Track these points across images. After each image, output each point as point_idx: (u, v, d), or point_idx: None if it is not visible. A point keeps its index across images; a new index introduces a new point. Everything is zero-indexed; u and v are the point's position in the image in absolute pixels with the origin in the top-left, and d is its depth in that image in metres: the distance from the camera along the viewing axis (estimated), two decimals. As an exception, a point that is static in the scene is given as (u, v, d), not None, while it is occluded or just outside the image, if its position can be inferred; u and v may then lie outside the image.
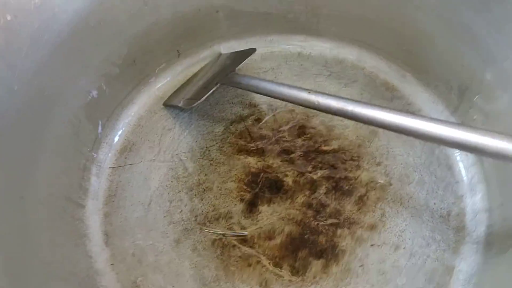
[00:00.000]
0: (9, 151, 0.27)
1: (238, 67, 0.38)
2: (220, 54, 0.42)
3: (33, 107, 0.29)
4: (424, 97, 0.38)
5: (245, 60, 0.39)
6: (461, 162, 0.35)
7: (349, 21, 0.39)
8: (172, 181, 0.37)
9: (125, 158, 0.38)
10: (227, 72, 0.37)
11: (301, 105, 0.31)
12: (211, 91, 0.36)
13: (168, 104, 0.40)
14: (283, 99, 0.32)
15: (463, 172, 0.34)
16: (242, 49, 0.41)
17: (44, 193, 0.30)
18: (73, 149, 0.35)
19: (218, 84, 0.36)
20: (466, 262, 0.31)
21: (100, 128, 0.37)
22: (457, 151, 0.35)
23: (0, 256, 0.21)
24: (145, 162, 0.38)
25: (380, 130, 0.37)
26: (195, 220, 0.35)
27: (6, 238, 0.23)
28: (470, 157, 0.35)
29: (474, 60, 0.32)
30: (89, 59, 0.34)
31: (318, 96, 0.29)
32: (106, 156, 0.38)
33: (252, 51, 0.39)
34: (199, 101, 0.35)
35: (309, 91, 0.30)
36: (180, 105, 0.38)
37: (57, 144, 0.32)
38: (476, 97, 0.33)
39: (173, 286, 0.33)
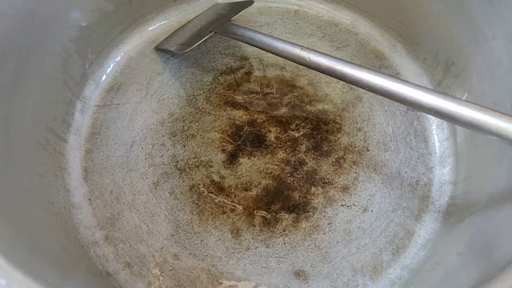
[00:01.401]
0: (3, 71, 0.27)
1: (233, 18, 0.38)
2: (217, 3, 0.42)
3: (24, 34, 0.29)
4: (411, 69, 0.39)
5: (241, 12, 0.39)
6: (436, 135, 0.36)
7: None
8: (156, 125, 0.37)
9: (112, 97, 0.38)
10: (223, 21, 0.37)
11: (292, 60, 0.31)
12: (205, 38, 0.36)
13: (160, 48, 0.40)
14: (275, 53, 0.32)
15: (437, 145, 0.36)
16: (239, 0, 0.40)
17: (29, 122, 0.30)
18: (60, 81, 0.35)
19: (212, 33, 0.36)
20: (425, 229, 0.33)
21: (87, 64, 0.37)
22: (434, 124, 0.36)
23: None
24: (132, 103, 0.38)
25: (365, 97, 0.38)
26: (176, 165, 0.36)
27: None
28: (445, 131, 0.36)
29: (464, 36, 0.32)
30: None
31: (310, 53, 0.29)
32: (93, 93, 0.38)
33: (249, 3, 0.39)
34: (191, 47, 0.36)
35: (301, 47, 0.30)
36: (172, 49, 0.38)
37: (44, 74, 0.32)
38: (461, 73, 0.34)
39: (147, 226, 0.34)
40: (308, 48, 0.30)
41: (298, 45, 0.31)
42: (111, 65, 0.39)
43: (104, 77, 0.38)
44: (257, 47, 0.34)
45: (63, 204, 0.33)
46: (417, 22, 0.37)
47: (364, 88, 0.27)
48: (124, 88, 0.39)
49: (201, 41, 0.35)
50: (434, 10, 0.35)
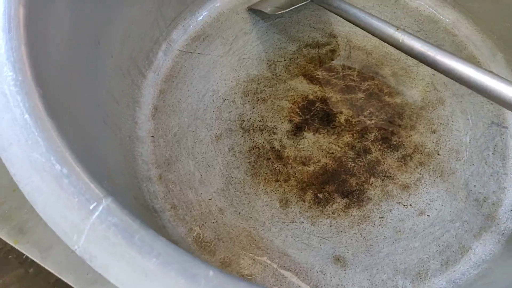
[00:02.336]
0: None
1: None
2: None
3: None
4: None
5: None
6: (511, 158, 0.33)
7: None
8: (232, 81, 0.38)
9: (196, 46, 0.39)
10: None
11: (385, 40, 0.30)
12: (300, 4, 0.35)
13: (253, 8, 0.40)
14: (368, 30, 0.31)
15: (516, 166, 0.33)
16: None
17: (117, 47, 0.31)
18: (152, 18, 0.36)
19: (309, 0, 0.36)
20: (483, 248, 0.30)
21: (181, 9, 0.38)
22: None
23: (67, 97, 0.23)
24: (213, 56, 0.38)
25: (448, 101, 0.36)
26: (241, 124, 0.36)
27: (79, 78, 0.25)
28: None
29: None
30: None
31: (404, 35, 0.28)
32: (179, 37, 0.39)
33: None
34: (285, 10, 0.35)
35: (396, 28, 0.29)
36: (266, 11, 0.37)
37: (141, 7, 0.33)
38: None
39: (201, 175, 0.34)
40: (403, 30, 0.29)
41: (393, 25, 0.29)
42: (203, 15, 0.39)
43: (193, 25, 0.39)
44: (350, 22, 0.33)
45: (128, 134, 0.34)
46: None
47: (455, 80, 0.25)
48: (209, 39, 0.39)
49: (295, 6, 0.35)
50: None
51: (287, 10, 0.35)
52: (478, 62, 0.38)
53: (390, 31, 0.29)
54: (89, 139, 0.23)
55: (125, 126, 0.34)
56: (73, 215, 0.15)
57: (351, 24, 0.39)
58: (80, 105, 0.24)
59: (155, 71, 0.37)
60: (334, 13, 0.34)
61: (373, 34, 0.31)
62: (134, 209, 0.28)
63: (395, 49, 0.37)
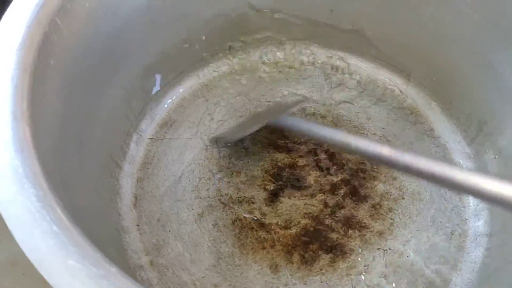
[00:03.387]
0: (76, 101, 0.30)
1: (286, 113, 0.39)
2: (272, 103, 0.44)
3: (103, 67, 0.32)
4: (445, 126, 0.41)
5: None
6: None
7: (389, 46, 0.43)
8: (204, 161, 0.40)
9: (165, 132, 0.41)
10: (277, 113, 0.38)
11: (340, 148, 0.34)
12: (257, 129, 0.37)
13: (214, 139, 0.41)
14: (324, 142, 0.35)
15: (471, 198, 0.37)
16: (293, 99, 0.43)
17: (96, 145, 0.33)
18: (123, 113, 0.38)
19: (265, 123, 0.37)
20: (462, 278, 0.34)
21: (147, 101, 0.41)
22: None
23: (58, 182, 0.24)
24: (183, 139, 0.41)
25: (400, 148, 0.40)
26: (220, 199, 0.38)
27: (67, 173, 0.26)
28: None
29: (495, 97, 0.35)
30: (155, 36, 0.37)
31: (357, 140, 0.30)
32: (148, 127, 0.41)
33: (303, 100, 0.42)
34: (243, 135, 0.38)
35: (355, 136, 0.31)
36: (225, 138, 0.40)
37: (112, 105, 0.36)
38: (493, 132, 0.36)
39: (190, 255, 0.35)
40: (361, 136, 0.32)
41: (348, 133, 0.32)
42: (167, 103, 0.42)
43: (160, 113, 0.42)
44: (305, 136, 0.37)
45: (115, 226, 0.35)
46: (451, 83, 0.40)
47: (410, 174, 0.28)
48: (176, 124, 0.42)
49: (251, 131, 0.37)
50: (466, 72, 0.38)
51: (244, 135, 0.38)
52: (418, 111, 0.43)
53: (345, 139, 0.31)
54: (95, 240, 0.24)
55: (111, 219, 0.34)
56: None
57: (303, 93, 0.44)
58: (81, 208, 0.25)
59: (130, 162, 0.39)
60: (293, 132, 0.38)
61: (331, 144, 0.34)
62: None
63: (344, 110, 0.42)
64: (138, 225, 0.36)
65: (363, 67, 0.45)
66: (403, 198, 0.38)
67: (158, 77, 0.40)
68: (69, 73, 0.28)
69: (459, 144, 0.40)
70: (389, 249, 0.35)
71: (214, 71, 0.45)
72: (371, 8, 0.41)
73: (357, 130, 0.42)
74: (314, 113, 0.43)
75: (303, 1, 0.42)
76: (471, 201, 0.38)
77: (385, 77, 0.45)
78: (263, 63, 0.46)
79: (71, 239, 0.17)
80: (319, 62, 0.46)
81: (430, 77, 0.42)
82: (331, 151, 0.40)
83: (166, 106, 0.42)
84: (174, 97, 0.43)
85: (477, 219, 0.36)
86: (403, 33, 0.41)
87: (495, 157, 0.36)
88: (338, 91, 0.44)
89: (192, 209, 0.37)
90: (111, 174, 0.36)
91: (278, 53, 0.46)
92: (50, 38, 0.26)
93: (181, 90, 0.43)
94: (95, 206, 0.31)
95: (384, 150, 0.29)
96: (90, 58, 0.30)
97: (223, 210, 0.37)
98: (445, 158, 0.40)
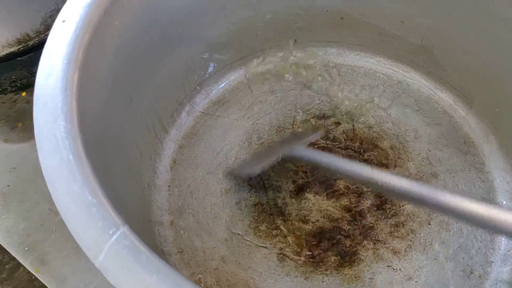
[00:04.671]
0: (136, 62, 0.34)
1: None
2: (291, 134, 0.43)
3: (167, 36, 0.36)
4: (499, 163, 0.39)
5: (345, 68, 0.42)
6: (503, 230, 0.35)
7: (456, 67, 0.41)
8: (244, 142, 0.42)
9: (216, 109, 0.44)
10: (292, 146, 0.37)
11: (361, 183, 0.33)
12: (271, 163, 0.37)
13: (230, 173, 0.40)
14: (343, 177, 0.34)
15: (503, 242, 0.35)
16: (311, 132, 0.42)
17: (146, 105, 0.36)
18: (180, 83, 0.41)
19: (280, 156, 0.36)
20: (466, 317, 0.32)
21: (205, 77, 0.44)
22: None
23: (101, 145, 0.27)
24: (230, 119, 0.43)
25: (441, 175, 0.39)
26: (249, 181, 0.40)
27: (112, 129, 0.30)
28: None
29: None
30: (222, 18, 0.40)
31: (380, 175, 0.29)
32: (201, 101, 0.44)
33: (319, 134, 0.41)
34: (257, 172, 0.37)
35: (372, 170, 0.30)
36: (242, 175, 0.40)
37: (170, 73, 0.39)
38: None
39: (208, 224, 0.38)
40: (382, 171, 0.30)
41: (370, 168, 0.30)
42: (224, 83, 0.45)
43: (215, 91, 0.44)
44: (325, 171, 0.36)
45: (147, 182, 0.38)
46: (513, 119, 0.38)
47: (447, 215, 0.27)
48: (228, 104, 0.44)
49: (267, 165, 0.37)
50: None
51: (261, 169, 0.37)
52: (472, 142, 0.41)
53: (366, 174, 0.30)
54: (114, 180, 0.26)
55: (145, 174, 0.38)
56: (96, 236, 0.18)
57: (357, 100, 0.44)
58: (110, 152, 0.28)
59: (177, 129, 0.42)
60: (307, 164, 0.37)
61: (347, 179, 0.34)
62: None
63: (394, 125, 0.41)
64: (169, 186, 0.39)
65: (424, 85, 0.44)
66: (430, 224, 0.37)
67: (217, 58, 0.43)
68: (131, 36, 0.31)
69: (508, 185, 0.38)
70: (400, 269, 0.35)
71: (275, 62, 0.46)
72: (443, 25, 0.40)
73: (402, 146, 0.41)
74: (362, 121, 0.43)
75: (375, 8, 0.42)
76: (503, 244, 0.35)
77: (445, 99, 0.43)
78: (325, 64, 0.46)
79: (80, 169, 0.20)
80: (382, 73, 0.45)
81: (494, 108, 0.40)
82: (369, 161, 0.40)
83: (223, 85, 0.45)
84: (232, 79, 0.45)
85: (504, 265, 0.34)
86: (472, 56, 0.39)
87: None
88: (393, 105, 0.43)
89: (221, 184, 0.40)
90: (156, 135, 0.40)
91: (340, 57, 0.46)
92: (120, 1, 0.30)
93: (240, 74, 0.45)
94: (132, 158, 0.35)
95: (413, 187, 0.27)
96: (154, 26, 0.33)
97: (248, 192, 0.39)
98: (488, 194, 0.38)
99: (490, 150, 0.40)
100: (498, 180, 0.38)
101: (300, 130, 0.42)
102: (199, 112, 0.44)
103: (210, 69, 0.43)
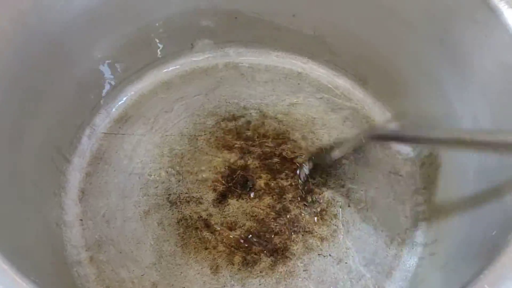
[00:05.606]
0: (20, 90, 0.30)
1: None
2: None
3: (51, 59, 0.32)
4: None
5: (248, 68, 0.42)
6: (414, 200, 0.38)
7: (348, 54, 0.43)
8: (156, 158, 0.40)
9: (119, 127, 0.41)
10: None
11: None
12: (357, 146, 0.38)
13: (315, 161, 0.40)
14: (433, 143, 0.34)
15: (412, 210, 0.38)
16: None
17: (40, 139, 0.33)
18: (75, 107, 0.38)
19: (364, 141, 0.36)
20: (395, 286, 0.34)
21: (102, 95, 0.41)
22: (411, 190, 0.39)
23: None
24: (136, 135, 0.41)
25: (351, 157, 0.41)
26: (168, 198, 0.38)
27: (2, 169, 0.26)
28: (420, 197, 0.38)
29: (440, 112, 0.36)
30: (112, 31, 0.37)
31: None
32: (102, 121, 0.41)
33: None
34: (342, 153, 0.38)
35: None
36: (327, 161, 0.39)
37: (63, 97, 0.36)
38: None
39: (132, 252, 0.35)
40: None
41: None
42: (124, 99, 0.42)
43: (115, 108, 0.42)
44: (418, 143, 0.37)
45: (55, 221, 0.35)
46: (404, 96, 0.41)
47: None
48: (132, 120, 0.42)
49: (353, 147, 0.38)
50: (415, 85, 0.39)
51: (345, 152, 0.38)
52: (373, 120, 0.43)
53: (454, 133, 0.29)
54: (15, 235, 0.23)
55: (51, 213, 0.34)
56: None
57: (262, 96, 0.44)
58: (6, 204, 0.25)
59: (80, 156, 0.39)
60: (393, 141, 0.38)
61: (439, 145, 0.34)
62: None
63: (301, 115, 0.42)
64: (81, 220, 0.36)
65: (323, 74, 0.45)
66: (349, 206, 0.38)
67: (114, 74, 0.40)
68: (7, 65, 0.28)
69: (407, 155, 0.41)
70: (330, 255, 0.36)
71: (174, 69, 0.45)
72: (332, 16, 0.41)
73: (313, 135, 0.42)
74: (271, 117, 0.43)
75: (266, 4, 0.42)
76: (408, 211, 0.38)
77: (344, 85, 0.45)
78: (225, 65, 0.46)
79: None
80: (282, 66, 0.46)
81: (387, 88, 0.42)
82: (283, 155, 0.41)
83: (123, 101, 0.42)
84: (132, 93, 0.43)
85: (416, 229, 0.37)
86: (361, 42, 0.41)
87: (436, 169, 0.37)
88: (297, 96, 0.44)
89: (139, 207, 0.37)
90: (57, 168, 0.36)
91: (240, 56, 0.46)
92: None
93: (139, 86, 0.43)
94: (33, 201, 0.31)
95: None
96: (34, 51, 0.30)
97: (169, 209, 0.37)
98: (394, 167, 0.40)
99: (388, 126, 0.43)
100: (400, 152, 0.41)
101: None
102: (101, 134, 0.41)
103: (107, 86, 0.41)
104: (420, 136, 0.31)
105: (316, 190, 0.39)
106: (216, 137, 0.41)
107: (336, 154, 0.38)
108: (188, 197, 0.38)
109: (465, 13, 0.33)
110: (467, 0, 0.33)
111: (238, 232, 0.37)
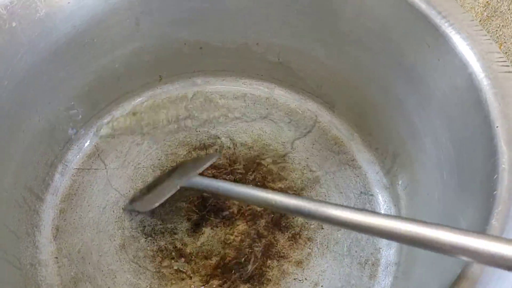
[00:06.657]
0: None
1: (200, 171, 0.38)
2: (182, 162, 0.43)
3: (18, 102, 0.33)
4: (366, 157, 0.43)
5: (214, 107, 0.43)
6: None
7: (314, 78, 0.45)
8: (129, 191, 0.40)
9: (92, 162, 0.41)
10: (190, 175, 0.37)
11: (258, 205, 0.34)
12: (171, 194, 0.37)
13: (128, 209, 0.39)
14: (241, 199, 0.35)
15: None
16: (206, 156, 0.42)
17: (9, 179, 0.33)
18: (45, 145, 0.38)
19: (179, 187, 0.36)
20: (370, 306, 0.35)
21: (73, 132, 0.41)
22: (383, 209, 0.40)
23: None
24: (109, 169, 0.41)
25: (322, 179, 0.42)
26: (143, 230, 0.38)
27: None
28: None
29: (404, 132, 0.37)
30: (78, 70, 0.38)
31: (276, 196, 0.30)
32: (74, 157, 0.41)
33: (215, 156, 0.40)
34: (157, 204, 0.36)
35: (267, 191, 0.31)
36: (141, 210, 0.39)
37: (32, 138, 0.36)
38: (404, 163, 0.38)
39: (109, 287, 0.35)
40: (276, 192, 0.31)
41: (266, 190, 0.32)
42: (95, 133, 0.43)
43: (88, 143, 0.42)
44: (222, 196, 0.37)
45: (29, 261, 0.35)
46: (371, 116, 0.42)
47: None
48: (104, 154, 0.42)
49: (167, 197, 0.36)
50: (383, 107, 0.40)
51: (160, 202, 0.37)
52: (341, 141, 0.45)
53: (262, 195, 0.31)
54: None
55: (25, 254, 0.34)
56: None
57: (232, 123, 0.45)
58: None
59: (53, 193, 0.39)
60: (206, 192, 0.38)
61: (246, 202, 0.35)
62: None
63: (271, 140, 0.43)
64: (56, 257, 0.36)
65: (290, 98, 0.47)
66: (322, 228, 0.39)
67: (83, 109, 0.41)
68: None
69: (377, 175, 0.42)
70: (305, 279, 0.36)
71: (143, 100, 0.45)
72: (294, 43, 0.43)
73: (282, 159, 0.43)
74: (241, 143, 0.44)
75: (229, 34, 0.43)
76: (386, 230, 0.39)
77: (311, 108, 0.46)
78: (194, 94, 0.47)
79: None
80: (250, 93, 0.47)
81: (353, 109, 0.44)
82: (256, 180, 0.41)
83: (94, 136, 0.43)
84: (103, 127, 0.43)
85: (389, 248, 0.38)
86: (326, 68, 0.43)
87: (404, 189, 0.38)
88: (265, 122, 0.45)
89: (114, 240, 0.38)
90: (30, 207, 0.36)
91: (207, 85, 0.47)
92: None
93: (110, 120, 0.44)
94: (4, 244, 0.31)
95: (300, 204, 0.29)
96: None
97: (145, 241, 0.38)
98: (365, 188, 0.42)
99: (356, 147, 0.44)
100: (369, 173, 0.43)
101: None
102: (74, 170, 0.41)
103: (78, 122, 0.41)
104: (232, 191, 0.33)
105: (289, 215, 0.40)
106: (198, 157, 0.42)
107: (152, 204, 0.37)
108: (163, 228, 0.38)
109: (418, 38, 0.35)
110: (419, 26, 0.34)
111: (213, 261, 0.37)
